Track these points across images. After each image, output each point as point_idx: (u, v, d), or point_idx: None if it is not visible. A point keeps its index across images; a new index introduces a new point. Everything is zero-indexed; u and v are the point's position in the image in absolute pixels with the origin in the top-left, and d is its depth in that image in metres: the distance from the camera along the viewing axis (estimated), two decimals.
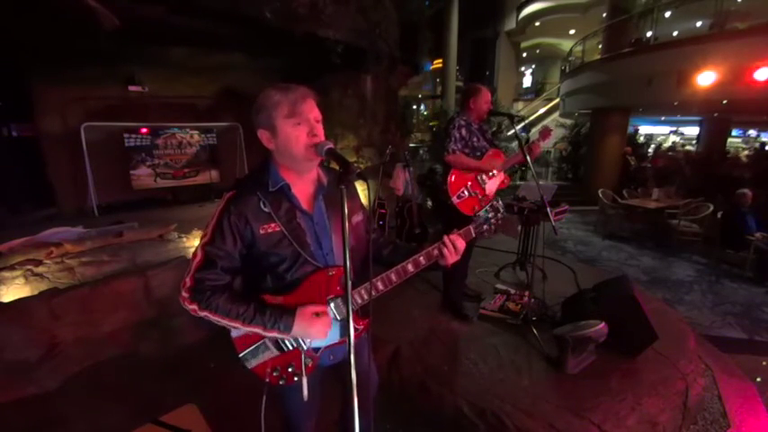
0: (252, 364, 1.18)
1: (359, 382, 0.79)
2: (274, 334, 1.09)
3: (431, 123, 12.24)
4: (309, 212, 1.16)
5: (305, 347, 1.18)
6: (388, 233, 4.42)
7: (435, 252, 1.22)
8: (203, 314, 1.07)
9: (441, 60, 11.92)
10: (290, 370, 1.18)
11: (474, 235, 1.31)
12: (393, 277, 1.19)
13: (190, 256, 1.11)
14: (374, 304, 1.12)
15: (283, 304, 1.12)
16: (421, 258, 1.21)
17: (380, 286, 1.18)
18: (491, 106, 2.69)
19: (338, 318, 1.18)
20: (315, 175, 1.20)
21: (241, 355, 1.17)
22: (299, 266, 1.14)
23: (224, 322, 1.08)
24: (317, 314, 1.11)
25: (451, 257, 1.22)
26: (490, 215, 1.31)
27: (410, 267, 1.21)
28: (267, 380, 1.18)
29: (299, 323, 1.09)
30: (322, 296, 1.16)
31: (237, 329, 1.13)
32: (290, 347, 1.17)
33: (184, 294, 1.07)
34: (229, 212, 1.07)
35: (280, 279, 1.14)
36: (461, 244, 1.24)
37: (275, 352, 1.17)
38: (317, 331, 1.11)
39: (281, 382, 1.19)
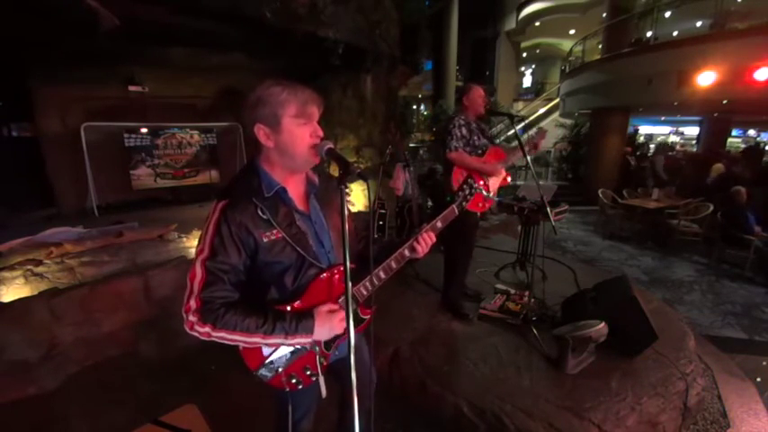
0: (268, 377, 1.15)
1: (358, 376, 0.79)
2: (298, 339, 1.06)
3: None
4: (306, 213, 1.15)
5: (318, 348, 1.18)
6: (388, 234, 4.43)
7: (414, 244, 1.25)
8: (217, 336, 0.99)
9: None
10: (307, 373, 1.18)
11: (457, 213, 1.35)
12: (393, 264, 1.23)
13: (190, 255, 1.10)
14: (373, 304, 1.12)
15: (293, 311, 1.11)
16: (405, 251, 1.24)
17: (382, 275, 1.22)
18: (486, 101, 2.69)
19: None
20: (304, 173, 1.19)
21: (258, 372, 1.13)
22: (305, 271, 1.12)
23: (241, 340, 1.02)
24: (332, 311, 1.12)
25: (422, 251, 1.25)
26: (467, 192, 1.41)
27: (394, 264, 1.24)
28: (287, 389, 1.17)
29: (320, 322, 1.08)
30: (332, 297, 1.16)
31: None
32: (305, 350, 1.17)
33: (192, 318, 0.98)
34: (227, 223, 1.00)
35: (285, 288, 1.12)
36: (431, 239, 1.27)
37: (289, 359, 1.16)
38: (338, 325, 1.11)
39: (299, 387, 1.18)
